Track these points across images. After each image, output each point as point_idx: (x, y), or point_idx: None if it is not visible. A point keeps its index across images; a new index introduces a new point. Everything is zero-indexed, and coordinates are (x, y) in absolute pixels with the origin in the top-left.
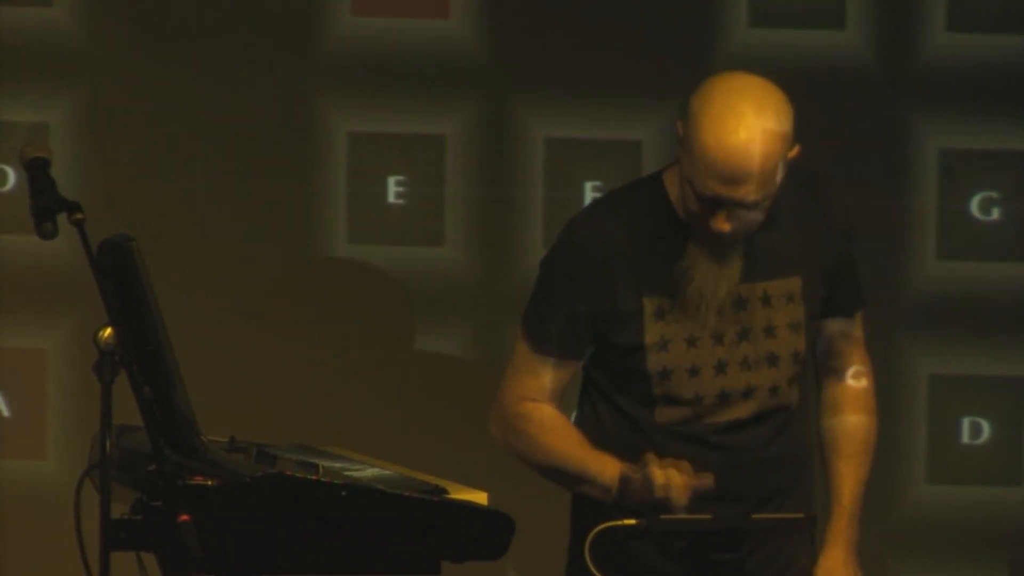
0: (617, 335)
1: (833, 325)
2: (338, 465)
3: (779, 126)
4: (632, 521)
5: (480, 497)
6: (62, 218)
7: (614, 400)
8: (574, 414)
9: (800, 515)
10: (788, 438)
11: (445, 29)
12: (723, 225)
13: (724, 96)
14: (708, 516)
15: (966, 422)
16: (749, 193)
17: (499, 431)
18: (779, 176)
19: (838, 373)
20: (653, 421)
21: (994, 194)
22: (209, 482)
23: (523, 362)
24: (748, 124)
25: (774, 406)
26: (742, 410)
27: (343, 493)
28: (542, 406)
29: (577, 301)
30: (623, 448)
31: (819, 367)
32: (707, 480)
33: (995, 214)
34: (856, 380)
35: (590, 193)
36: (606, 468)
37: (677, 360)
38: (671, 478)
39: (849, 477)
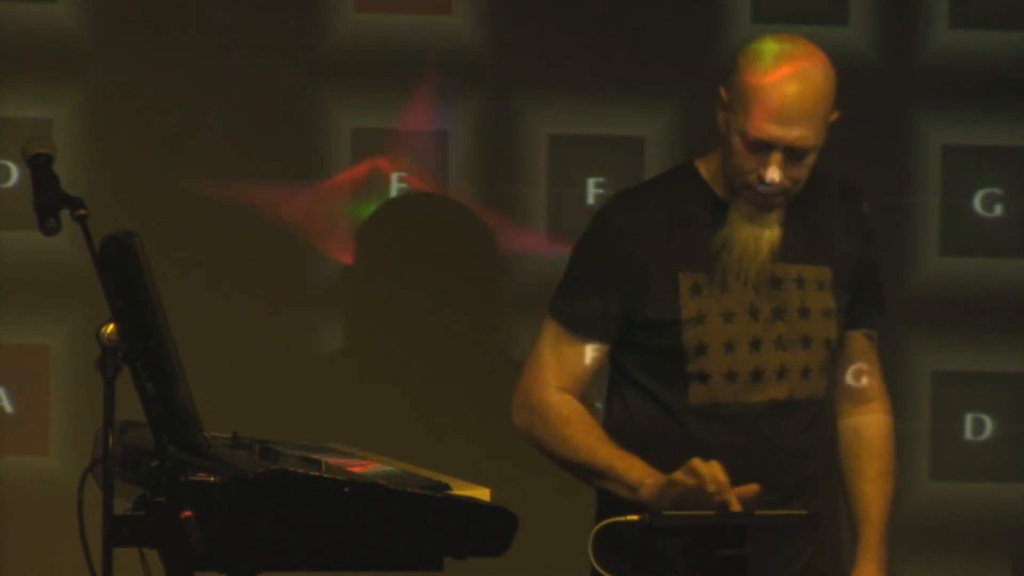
0: (651, 312)
1: (853, 340)
2: (341, 461)
3: (828, 77)
4: (635, 517)
5: (483, 493)
6: (65, 214)
7: (645, 386)
8: (600, 408)
9: (803, 512)
10: (817, 430)
11: (448, 25)
12: (774, 172)
13: (777, 45)
14: (711, 512)
15: (969, 418)
16: (801, 137)
17: (523, 419)
18: (825, 131)
19: (853, 393)
20: (686, 403)
21: (997, 190)
22: (212, 478)
23: (551, 345)
24: (803, 68)
25: (805, 394)
26: (776, 391)
27: (346, 489)
28: (568, 398)
29: (610, 280)
30: (654, 437)
31: (838, 395)
32: (752, 489)
33: (998, 210)
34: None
35: (593, 189)
36: (633, 468)
37: (713, 335)
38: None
39: (878, 495)
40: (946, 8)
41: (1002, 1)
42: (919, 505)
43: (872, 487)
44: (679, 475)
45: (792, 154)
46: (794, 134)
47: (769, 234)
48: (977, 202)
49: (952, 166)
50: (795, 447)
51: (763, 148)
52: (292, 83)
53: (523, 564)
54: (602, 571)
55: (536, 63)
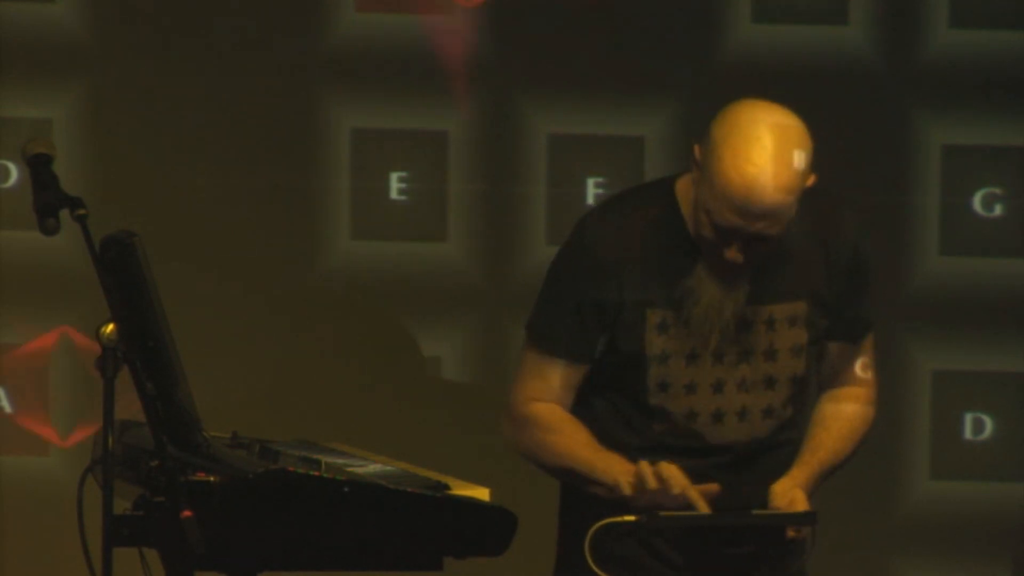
0: (620, 341)
1: (837, 348)
2: (340, 461)
3: (800, 161)
4: (632, 517)
5: (482, 493)
6: (65, 214)
7: (611, 398)
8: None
9: (802, 512)
10: (780, 456)
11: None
12: (737, 256)
13: (747, 127)
14: (708, 512)
15: (969, 418)
16: (765, 227)
17: (510, 434)
18: (796, 207)
19: (838, 389)
20: (650, 433)
21: (997, 190)
22: (212, 478)
23: (532, 366)
24: (771, 160)
25: (769, 431)
26: (736, 432)
27: (345, 489)
28: (551, 406)
29: (586, 302)
30: (618, 444)
31: (821, 386)
32: (712, 488)
33: (998, 210)
34: (859, 385)
35: (593, 189)
36: (612, 466)
37: (675, 375)
38: (685, 486)
39: (827, 443)
40: (946, 8)
41: (1002, 1)
42: (919, 505)
43: (828, 436)
44: (628, 487)
45: (759, 239)
46: (759, 226)
47: (735, 296)
48: (977, 202)
49: (952, 166)
50: (753, 478)
51: (727, 232)
52: (292, 83)
53: (523, 564)
54: (599, 571)
55: (536, 63)
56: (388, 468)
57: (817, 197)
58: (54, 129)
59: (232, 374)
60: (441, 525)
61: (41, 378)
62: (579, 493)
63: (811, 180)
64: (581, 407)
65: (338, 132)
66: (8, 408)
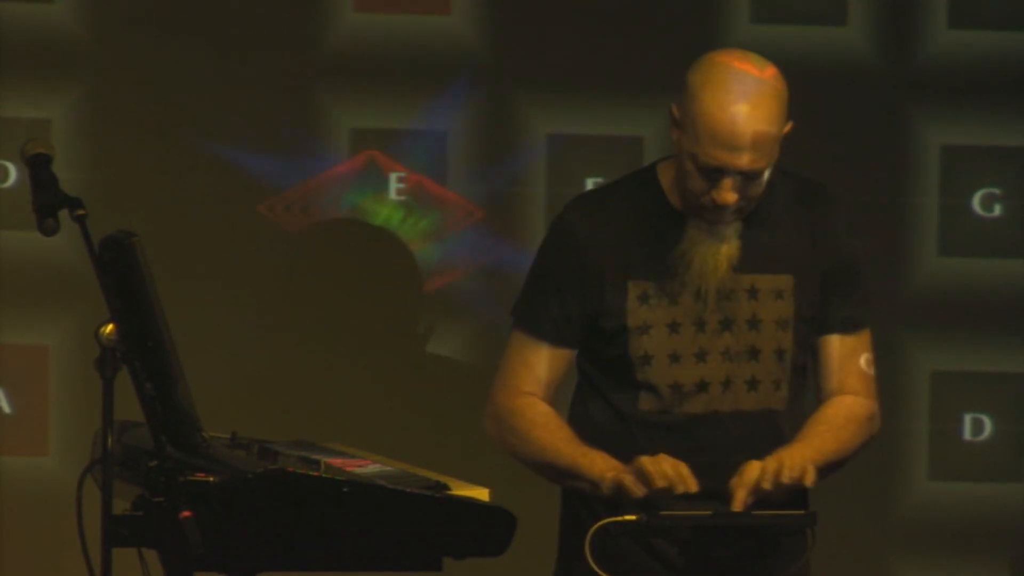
0: (603, 319)
1: (830, 344)
2: (340, 461)
3: (778, 95)
4: (632, 517)
5: (482, 493)
6: (64, 214)
7: (603, 391)
8: (567, 413)
9: (802, 512)
10: (769, 441)
11: (447, 25)
12: (728, 195)
13: (724, 67)
14: (709, 512)
15: (968, 418)
16: (753, 161)
17: (492, 426)
18: (778, 147)
19: (835, 395)
20: (637, 410)
21: (996, 190)
22: (211, 478)
23: (517, 352)
24: (751, 92)
25: (754, 406)
26: (720, 402)
27: (345, 489)
28: (535, 402)
29: (568, 284)
30: (611, 444)
31: (817, 391)
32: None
33: (997, 210)
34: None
35: None
36: (595, 464)
37: (658, 346)
38: (675, 468)
39: (826, 436)
40: (945, 8)
41: (1001, 1)
42: (918, 505)
43: (825, 425)
44: (630, 481)
45: (745, 176)
46: (745, 160)
47: (727, 248)
48: (976, 202)
49: (951, 166)
50: (744, 458)
51: (715, 172)
52: (290, 82)
53: (523, 564)
54: (599, 571)
55: (535, 63)
56: (387, 468)
57: (808, 183)
58: (53, 129)
59: (231, 374)
60: (440, 525)
61: (41, 378)
62: (581, 493)
63: (788, 126)
64: (580, 415)
65: (337, 132)
66: (8, 408)
